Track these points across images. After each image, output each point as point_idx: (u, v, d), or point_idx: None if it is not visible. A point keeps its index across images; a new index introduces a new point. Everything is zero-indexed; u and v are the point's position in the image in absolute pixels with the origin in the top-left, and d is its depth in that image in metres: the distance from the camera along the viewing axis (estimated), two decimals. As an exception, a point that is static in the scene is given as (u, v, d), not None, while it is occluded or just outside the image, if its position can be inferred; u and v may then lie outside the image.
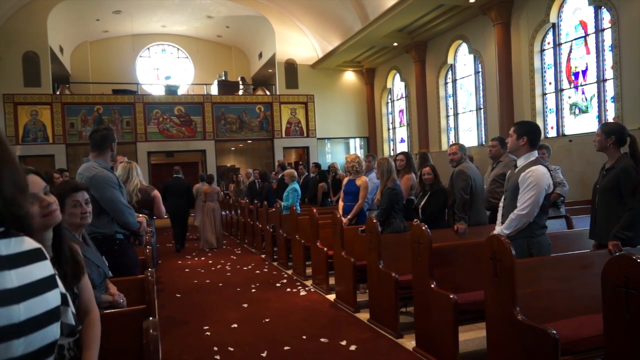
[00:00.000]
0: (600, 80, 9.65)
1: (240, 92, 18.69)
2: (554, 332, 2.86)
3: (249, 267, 8.55)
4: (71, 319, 1.25)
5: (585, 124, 10.12)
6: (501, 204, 4.07)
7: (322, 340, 4.68)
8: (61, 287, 1.19)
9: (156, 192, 6.32)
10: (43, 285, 1.11)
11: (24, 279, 1.06)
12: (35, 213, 1.66)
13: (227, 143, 18.32)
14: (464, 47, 13.70)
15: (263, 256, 9.46)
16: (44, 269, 1.14)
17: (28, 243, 1.13)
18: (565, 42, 10.54)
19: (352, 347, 4.46)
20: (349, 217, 6.46)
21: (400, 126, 17.57)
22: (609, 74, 9.44)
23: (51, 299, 1.12)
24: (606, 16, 9.41)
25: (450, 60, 14.29)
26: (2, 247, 1.05)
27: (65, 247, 1.84)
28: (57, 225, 1.83)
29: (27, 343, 1.03)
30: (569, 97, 10.57)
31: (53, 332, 1.12)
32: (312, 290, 6.71)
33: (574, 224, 5.79)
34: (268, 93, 18.99)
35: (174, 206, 10.12)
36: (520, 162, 3.81)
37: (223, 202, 14.62)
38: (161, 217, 6.66)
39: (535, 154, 3.81)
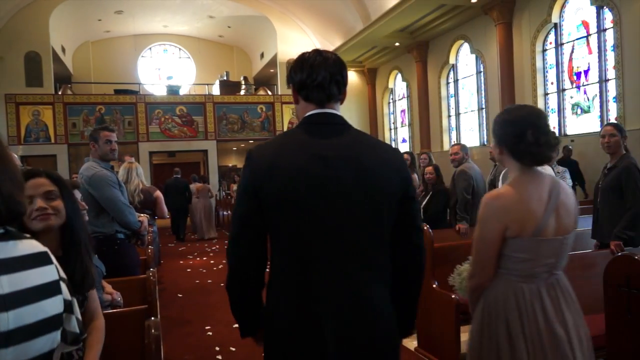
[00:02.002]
0: (602, 80, 9.64)
1: (242, 92, 18.69)
2: (556, 332, 2.86)
3: (251, 267, 8.54)
4: (75, 327, 1.19)
5: (587, 124, 10.10)
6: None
7: None
8: (65, 294, 1.13)
9: (158, 193, 6.31)
10: (41, 292, 1.04)
11: (17, 285, 1.00)
12: (27, 215, 1.71)
13: (229, 143, 18.32)
14: (466, 47, 13.68)
15: (265, 256, 9.45)
16: (45, 274, 1.07)
17: (29, 246, 1.08)
18: (567, 42, 10.52)
19: (354, 347, 4.45)
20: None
21: (402, 126, 17.56)
22: (611, 74, 9.42)
23: (49, 307, 1.05)
24: (608, 16, 9.39)
25: (452, 60, 14.27)
26: None
27: (79, 251, 1.85)
28: (74, 228, 1.85)
29: (17, 352, 0.97)
30: (571, 97, 10.55)
31: (50, 341, 1.06)
32: (314, 290, 6.69)
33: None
34: (270, 93, 18.98)
35: (174, 202, 11.37)
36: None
37: (224, 202, 14.70)
38: (163, 217, 6.66)
39: None
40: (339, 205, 1.54)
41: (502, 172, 4.11)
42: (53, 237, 1.83)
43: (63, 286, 1.13)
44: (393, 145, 17.76)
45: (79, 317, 1.23)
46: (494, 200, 1.94)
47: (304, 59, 1.71)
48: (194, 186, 12.70)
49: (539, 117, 1.96)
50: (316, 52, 1.72)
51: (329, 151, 1.56)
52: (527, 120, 1.93)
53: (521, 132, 1.90)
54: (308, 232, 1.54)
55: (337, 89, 1.66)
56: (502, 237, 1.91)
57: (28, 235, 1.11)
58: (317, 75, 1.63)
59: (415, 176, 6.72)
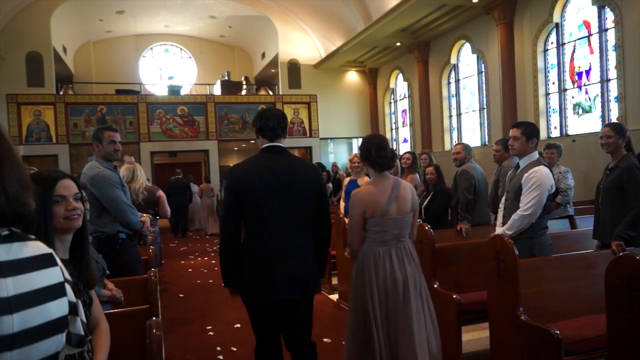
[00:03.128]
0: (604, 80, 9.62)
1: (243, 92, 18.68)
2: (557, 332, 2.86)
3: (252, 267, 8.55)
4: (80, 329, 1.19)
5: (589, 124, 10.09)
6: (501, 205, 4.07)
7: (325, 340, 4.68)
8: (70, 296, 1.12)
9: (161, 193, 6.33)
10: (46, 294, 1.04)
11: (22, 288, 0.99)
12: (60, 214, 1.79)
13: (230, 143, 18.30)
14: (467, 47, 13.66)
15: (266, 256, 9.44)
16: (50, 276, 1.07)
17: (34, 248, 1.07)
18: (568, 42, 10.51)
19: (355, 347, 4.45)
20: (351, 217, 6.44)
21: (403, 126, 17.55)
22: (612, 73, 9.40)
23: (54, 309, 1.05)
24: (610, 16, 9.37)
25: (453, 60, 14.26)
26: (2, 253, 0.99)
27: (87, 252, 1.89)
28: (85, 230, 1.89)
29: (22, 355, 0.97)
30: (573, 97, 10.54)
31: (55, 343, 1.05)
32: (315, 290, 6.71)
33: (578, 224, 5.77)
34: (271, 93, 18.97)
35: (176, 201, 12.57)
36: (523, 163, 3.80)
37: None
38: (166, 217, 6.67)
39: (536, 155, 3.82)
40: (281, 197, 2.79)
41: (509, 173, 4.10)
42: (69, 238, 1.88)
43: (68, 288, 1.12)
44: (395, 145, 17.86)
45: (84, 319, 1.23)
46: (356, 194, 3.13)
47: (262, 112, 2.95)
48: (192, 186, 14.05)
49: (378, 141, 3.17)
50: (268, 108, 2.99)
51: (276, 166, 2.82)
52: (371, 144, 3.16)
53: (368, 150, 3.14)
54: (264, 213, 2.79)
55: (281, 131, 2.92)
56: (362, 217, 3.08)
57: (33, 237, 1.10)
58: (269, 123, 2.89)
59: (416, 176, 6.71)
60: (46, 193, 1.75)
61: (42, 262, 1.07)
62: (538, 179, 3.59)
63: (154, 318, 2.61)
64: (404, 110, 17.43)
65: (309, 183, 2.87)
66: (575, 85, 10.40)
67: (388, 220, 3.04)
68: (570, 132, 10.56)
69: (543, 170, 3.64)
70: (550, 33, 10.84)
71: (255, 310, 2.93)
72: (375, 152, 3.10)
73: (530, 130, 3.78)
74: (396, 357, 2.96)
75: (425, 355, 2.99)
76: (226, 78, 18.54)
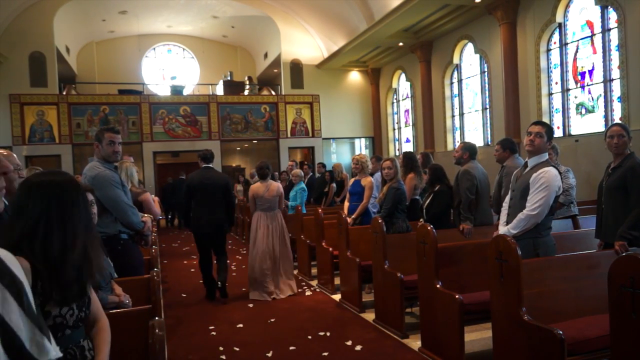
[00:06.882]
0: (607, 80, 9.60)
1: (246, 92, 18.68)
2: (560, 332, 2.85)
3: (254, 267, 8.54)
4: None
5: (592, 124, 10.07)
6: (505, 204, 4.06)
7: (328, 340, 4.68)
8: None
9: (146, 196, 5.65)
10: None
11: None
12: None
13: (233, 143, 18.33)
14: (470, 47, 13.65)
15: (268, 256, 9.45)
16: None
17: None
18: (571, 42, 10.48)
19: (358, 347, 4.46)
20: (353, 216, 6.46)
21: (406, 126, 17.53)
22: (615, 73, 9.39)
23: None
24: (612, 16, 9.36)
25: (455, 60, 14.24)
26: None
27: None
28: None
29: None
30: (575, 97, 10.52)
31: None
32: (318, 290, 6.71)
33: (581, 224, 5.76)
34: (273, 93, 18.98)
35: (180, 197, 14.56)
36: (532, 162, 3.79)
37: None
38: (156, 218, 6.48)
39: (546, 155, 3.81)
40: (207, 190, 6.35)
41: (515, 172, 4.07)
42: None
43: None
44: (396, 145, 17.87)
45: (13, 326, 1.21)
46: (251, 187, 6.67)
47: (203, 151, 6.70)
48: None
49: (262, 164, 6.59)
50: (206, 150, 6.72)
51: (207, 175, 6.45)
52: (258, 167, 6.66)
53: (258, 169, 6.69)
54: (200, 197, 6.38)
55: (212, 159, 6.63)
56: (254, 198, 6.55)
57: None
58: (207, 156, 6.61)
59: (416, 176, 6.69)
60: None
61: None
62: (547, 179, 3.59)
63: (156, 318, 2.61)
64: (406, 110, 17.42)
65: (220, 184, 6.34)
66: (578, 85, 10.38)
67: (265, 199, 6.43)
68: (573, 132, 10.53)
69: (552, 171, 3.64)
70: (553, 33, 10.82)
71: (199, 238, 6.42)
72: (259, 170, 6.50)
73: (550, 132, 3.82)
74: (277, 262, 6.41)
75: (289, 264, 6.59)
76: (229, 78, 18.55)
